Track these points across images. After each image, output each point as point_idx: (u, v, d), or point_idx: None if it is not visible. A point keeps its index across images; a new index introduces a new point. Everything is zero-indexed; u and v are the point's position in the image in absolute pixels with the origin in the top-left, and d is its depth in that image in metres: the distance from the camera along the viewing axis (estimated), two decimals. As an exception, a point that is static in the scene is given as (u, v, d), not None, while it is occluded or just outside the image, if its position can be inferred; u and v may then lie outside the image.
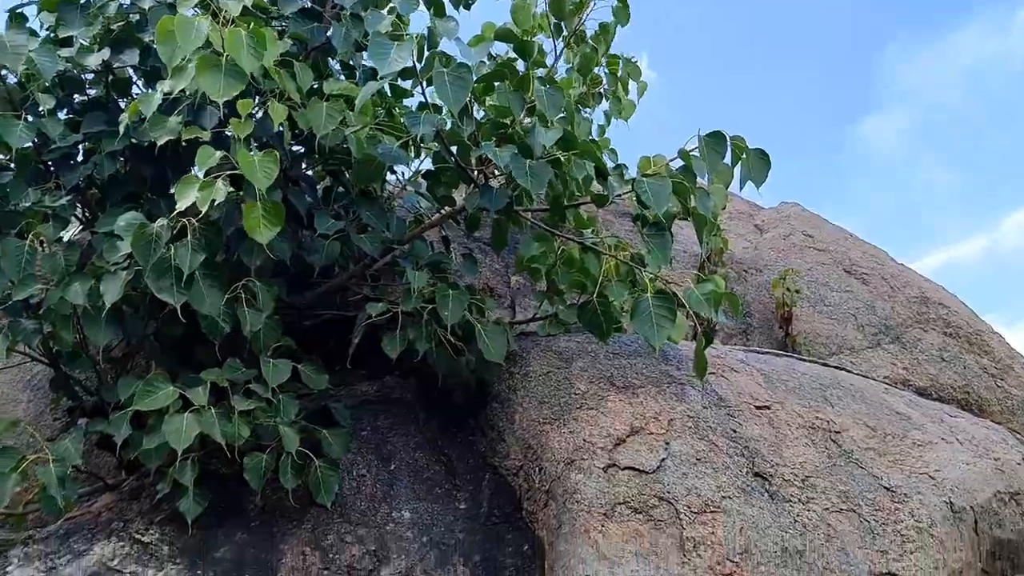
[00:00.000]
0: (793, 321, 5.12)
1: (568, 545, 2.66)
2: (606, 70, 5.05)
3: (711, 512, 2.65)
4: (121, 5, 3.69)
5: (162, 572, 2.90)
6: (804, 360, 3.88)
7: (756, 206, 6.54)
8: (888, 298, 5.33)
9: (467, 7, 4.45)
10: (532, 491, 3.02)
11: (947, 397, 5.02)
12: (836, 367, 3.98)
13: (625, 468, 2.78)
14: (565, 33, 4.64)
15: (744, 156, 3.42)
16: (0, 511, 3.67)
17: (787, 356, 3.85)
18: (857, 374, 4.00)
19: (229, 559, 2.98)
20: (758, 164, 3.43)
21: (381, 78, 3.20)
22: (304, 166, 3.87)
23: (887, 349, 5.12)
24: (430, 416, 3.56)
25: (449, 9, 4.06)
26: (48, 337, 3.42)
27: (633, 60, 5.14)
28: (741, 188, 3.40)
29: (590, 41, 4.72)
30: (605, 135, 5.19)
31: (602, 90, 5.07)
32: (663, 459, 2.79)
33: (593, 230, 3.88)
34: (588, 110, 5.09)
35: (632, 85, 5.17)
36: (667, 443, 2.83)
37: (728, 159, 3.40)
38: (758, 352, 3.79)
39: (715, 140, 3.40)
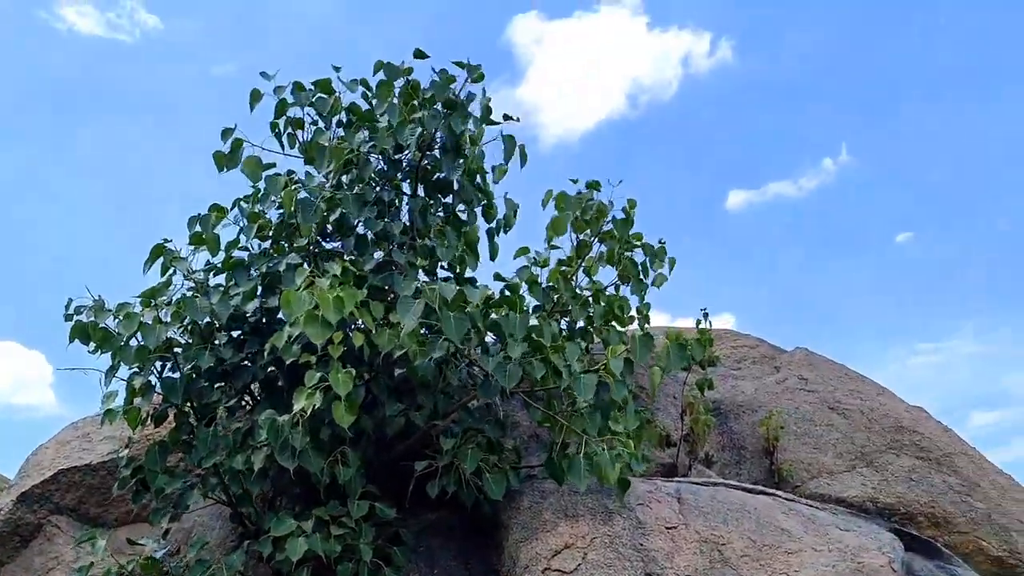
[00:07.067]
0: (778, 452, 6.41)
1: (515, 618, 4.21)
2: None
3: (603, 597, 4.13)
4: (267, 266, 5.78)
5: (286, 639, 4.66)
6: (734, 488, 5.21)
7: (778, 349, 7.84)
8: (865, 428, 6.51)
9: (506, 231, 6.31)
10: (512, 586, 4.60)
11: (914, 512, 6.11)
12: (763, 492, 5.28)
13: (555, 570, 4.31)
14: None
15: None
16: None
17: (720, 485, 5.20)
18: (775, 495, 5.26)
19: (326, 631, 4.71)
20: (675, 353, 4.97)
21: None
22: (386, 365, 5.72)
23: (861, 472, 6.29)
24: (466, 536, 5.20)
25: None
26: (223, 489, 5.39)
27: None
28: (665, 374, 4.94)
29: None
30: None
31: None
32: (579, 564, 4.29)
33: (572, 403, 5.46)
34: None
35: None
36: (585, 554, 4.33)
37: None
38: (693, 483, 5.17)
39: (645, 339, 4.98)
